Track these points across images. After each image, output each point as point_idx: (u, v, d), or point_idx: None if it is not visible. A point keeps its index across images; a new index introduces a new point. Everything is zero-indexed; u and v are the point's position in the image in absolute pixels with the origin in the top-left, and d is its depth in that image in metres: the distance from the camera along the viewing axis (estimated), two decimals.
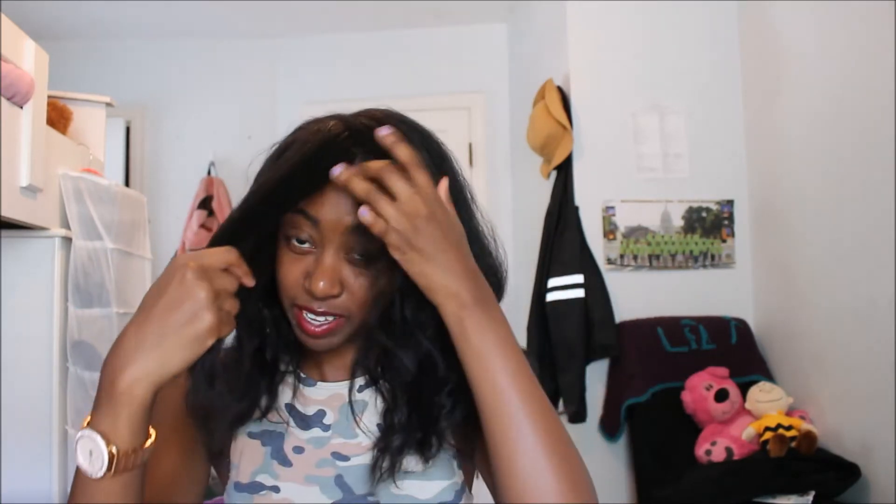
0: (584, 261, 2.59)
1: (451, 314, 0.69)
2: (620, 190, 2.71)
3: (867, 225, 2.04)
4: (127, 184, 3.74)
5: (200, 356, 0.65)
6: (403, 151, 0.68)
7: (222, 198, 3.64)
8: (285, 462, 0.82)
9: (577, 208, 2.66)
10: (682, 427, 2.38)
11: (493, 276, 0.80)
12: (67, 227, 1.90)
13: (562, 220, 2.65)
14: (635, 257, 2.70)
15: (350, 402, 0.83)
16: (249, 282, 0.69)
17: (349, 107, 0.83)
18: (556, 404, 2.53)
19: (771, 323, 2.60)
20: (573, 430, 2.57)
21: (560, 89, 2.75)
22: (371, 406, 0.84)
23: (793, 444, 2.12)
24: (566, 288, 2.54)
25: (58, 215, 1.89)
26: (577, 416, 2.45)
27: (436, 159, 0.79)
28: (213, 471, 0.89)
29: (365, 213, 0.68)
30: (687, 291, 2.69)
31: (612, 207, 2.71)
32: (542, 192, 2.92)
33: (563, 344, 2.51)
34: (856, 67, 2.10)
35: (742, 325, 2.60)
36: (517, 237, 3.45)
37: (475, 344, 0.69)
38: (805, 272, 2.38)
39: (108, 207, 1.96)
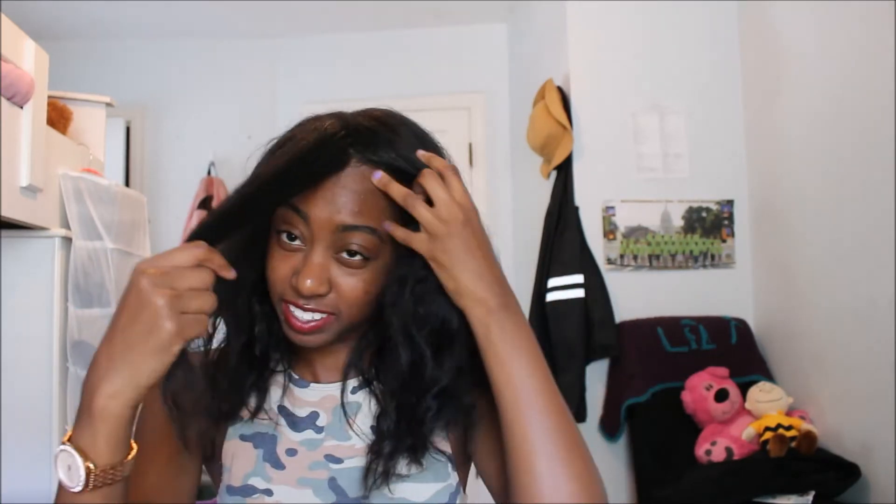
0: (584, 261, 2.59)
1: (478, 319, 0.72)
2: (620, 190, 2.71)
3: (867, 225, 2.04)
4: (127, 184, 3.74)
5: (173, 363, 0.64)
6: (439, 161, 0.73)
7: (222, 198, 3.63)
8: (278, 465, 0.81)
9: (577, 208, 2.66)
10: (682, 427, 2.38)
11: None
12: (67, 227, 1.90)
13: (562, 220, 2.65)
14: (635, 257, 2.70)
15: (342, 404, 0.83)
16: (228, 273, 0.68)
17: (349, 107, 0.82)
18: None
19: (771, 323, 2.60)
20: None
21: (560, 89, 2.75)
22: (364, 408, 0.83)
23: (793, 444, 2.12)
24: (566, 288, 2.54)
25: (58, 215, 1.89)
26: (577, 416, 2.45)
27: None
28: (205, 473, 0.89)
29: (378, 175, 0.72)
30: (687, 291, 2.69)
31: (612, 207, 2.71)
32: (542, 192, 2.92)
33: (563, 344, 2.50)
34: (856, 67, 2.10)
35: (742, 325, 2.60)
36: (517, 237, 3.45)
37: (500, 349, 0.71)
38: (805, 272, 2.38)
39: (108, 207, 1.96)
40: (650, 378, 2.46)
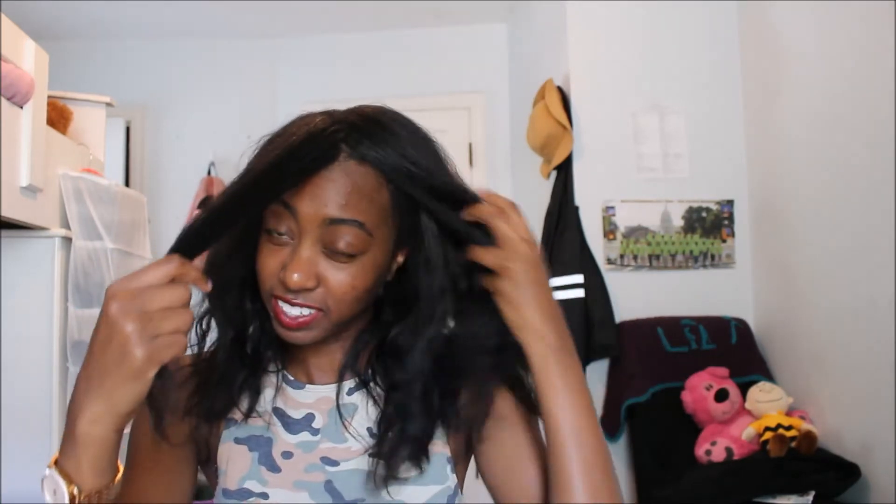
0: (584, 261, 2.59)
1: (538, 354, 0.75)
2: (620, 190, 2.71)
3: (867, 225, 2.04)
4: (127, 184, 3.73)
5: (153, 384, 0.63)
6: (500, 199, 0.77)
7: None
8: (273, 468, 0.81)
9: (577, 208, 2.66)
10: (682, 427, 2.38)
11: None
12: (67, 227, 1.90)
13: (562, 220, 2.65)
14: (635, 257, 2.70)
15: (338, 405, 0.82)
16: (204, 286, 0.68)
17: (349, 107, 0.82)
18: None
19: (771, 323, 2.59)
20: None
21: (560, 89, 2.75)
22: (361, 410, 0.82)
23: (793, 444, 2.12)
24: (566, 288, 2.54)
25: (58, 215, 1.89)
26: None
27: (430, 156, 0.78)
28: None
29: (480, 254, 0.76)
30: (687, 291, 2.69)
31: (612, 207, 2.71)
32: (542, 192, 2.92)
33: None
34: (856, 67, 2.10)
35: (742, 325, 2.60)
36: None
37: (555, 383, 0.75)
38: (805, 272, 2.38)
39: (108, 207, 1.96)
40: (650, 378, 2.46)
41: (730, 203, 2.74)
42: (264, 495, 0.79)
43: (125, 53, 3.86)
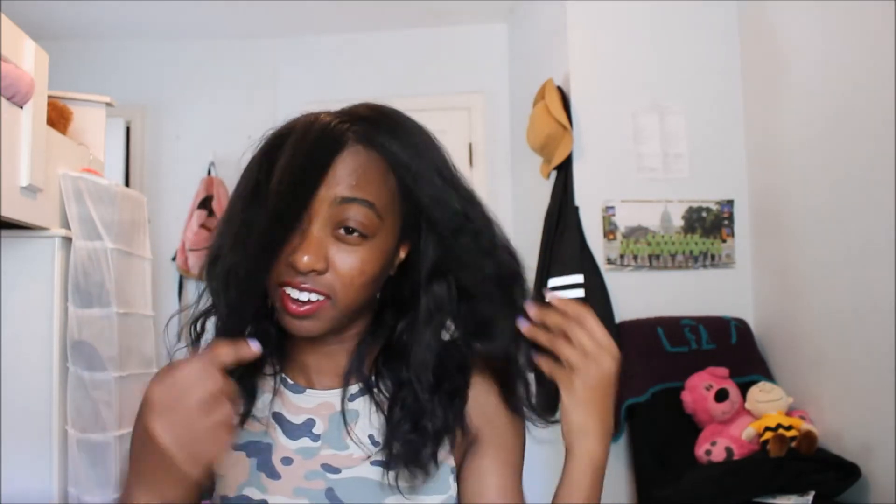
0: (584, 261, 2.59)
1: (579, 456, 0.78)
2: (620, 190, 2.71)
3: (867, 225, 2.04)
4: (127, 184, 3.73)
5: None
6: (573, 306, 0.77)
7: (222, 198, 3.64)
8: (273, 474, 0.79)
9: (577, 208, 2.66)
10: (682, 427, 2.38)
11: (509, 254, 0.83)
12: (67, 227, 1.90)
13: (562, 220, 2.65)
14: (635, 257, 2.70)
15: (342, 411, 0.81)
16: (250, 352, 0.69)
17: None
18: (556, 404, 2.53)
19: (771, 323, 2.59)
20: None
21: (560, 89, 2.75)
22: (363, 417, 0.81)
23: (793, 444, 2.12)
24: (566, 288, 2.54)
25: (58, 215, 1.89)
26: None
27: (427, 151, 0.79)
28: None
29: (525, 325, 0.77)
30: (687, 291, 2.69)
31: (612, 207, 2.71)
32: (542, 192, 2.92)
33: None
34: (856, 67, 2.10)
35: (742, 325, 2.60)
36: (517, 237, 3.42)
37: (581, 485, 0.78)
38: (805, 272, 2.38)
39: (108, 207, 1.96)
40: (650, 378, 2.46)
41: (730, 203, 2.74)
42: (263, 503, 0.78)
43: (125, 53, 3.86)
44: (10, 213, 1.64)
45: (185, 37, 3.87)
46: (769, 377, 2.48)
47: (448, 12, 3.65)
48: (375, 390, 0.81)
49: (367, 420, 0.81)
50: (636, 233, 2.71)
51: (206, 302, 0.81)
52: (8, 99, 1.63)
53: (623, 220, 2.70)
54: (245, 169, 0.80)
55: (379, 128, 0.76)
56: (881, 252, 1.96)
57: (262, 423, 0.82)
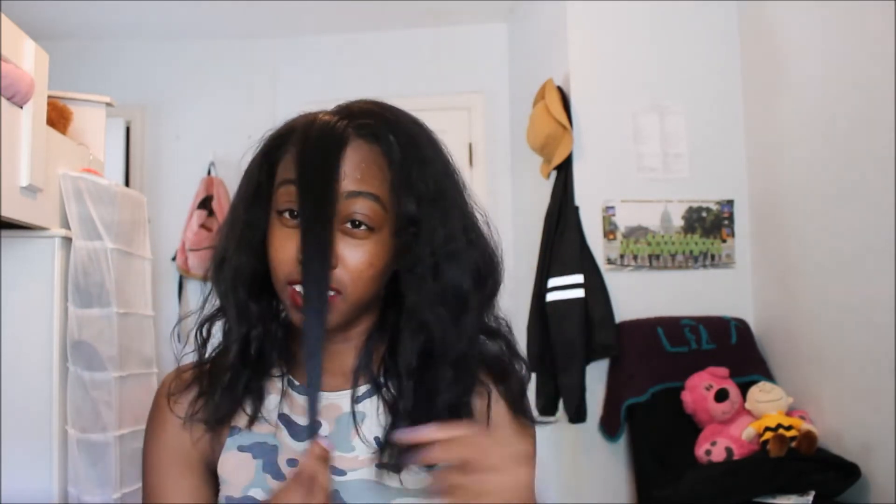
0: (584, 261, 2.59)
1: None
2: (620, 190, 2.71)
3: (867, 225, 2.04)
4: (127, 184, 3.73)
5: None
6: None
7: (222, 198, 3.64)
8: (279, 476, 0.79)
9: (577, 208, 2.66)
10: (682, 427, 2.38)
11: (490, 260, 0.82)
12: (67, 227, 1.90)
13: (562, 220, 2.65)
14: (635, 257, 2.70)
15: (353, 408, 0.81)
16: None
17: None
18: (555, 405, 2.53)
19: (771, 323, 2.59)
20: (573, 429, 2.57)
21: (560, 89, 2.75)
22: (369, 418, 0.81)
23: (793, 444, 2.12)
24: (566, 288, 2.54)
25: (58, 215, 1.89)
26: (577, 416, 2.45)
27: (426, 146, 0.80)
28: None
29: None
30: (687, 291, 2.69)
31: (612, 207, 2.71)
32: (542, 192, 2.92)
33: (563, 344, 2.50)
34: (856, 67, 2.10)
35: (742, 325, 2.60)
36: (517, 237, 3.45)
37: None
38: (805, 272, 2.38)
39: (108, 207, 1.95)
40: (650, 378, 2.46)
41: (730, 203, 2.74)
42: None
43: (125, 53, 3.86)
44: (10, 213, 1.64)
45: (185, 37, 3.87)
46: (769, 377, 2.48)
47: (448, 12, 3.65)
48: (384, 389, 0.81)
49: (374, 421, 0.81)
50: (636, 233, 2.71)
51: (211, 306, 0.82)
52: (8, 99, 1.63)
53: (623, 220, 2.70)
54: (245, 171, 0.81)
55: (378, 122, 0.77)
56: (881, 252, 1.96)
57: (270, 424, 0.81)
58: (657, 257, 2.71)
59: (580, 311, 2.51)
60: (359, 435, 0.80)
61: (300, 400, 0.82)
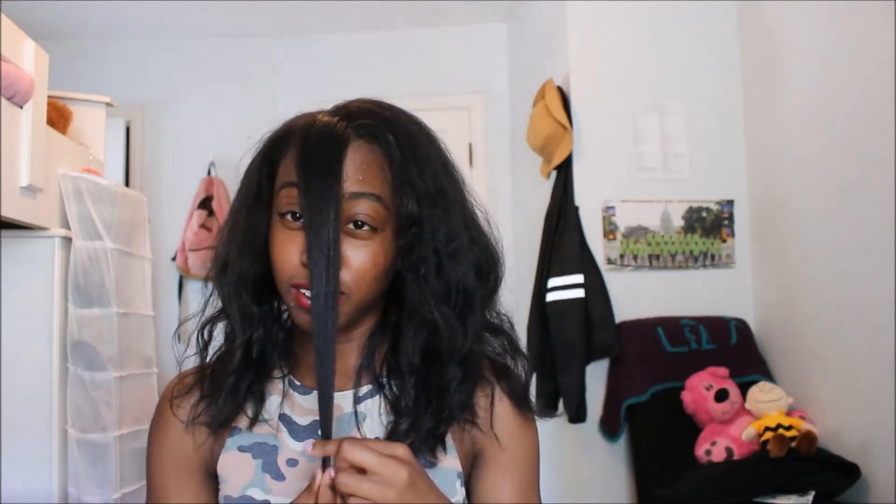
0: (584, 261, 2.59)
1: None
2: (620, 190, 2.71)
3: (867, 224, 2.05)
4: (127, 184, 3.73)
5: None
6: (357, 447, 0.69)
7: (222, 198, 3.64)
8: (278, 476, 0.80)
9: (577, 208, 2.66)
10: (682, 427, 2.38)
11: (491, 257, 0.82)
12: (67, 227, 1.90)
13: (562, 220, 2.65)
14: (635, 257, 2.70)
15: (355, 408, 0.81)
16: None
17: None
18: (556, 404, 2.54)
19: (771, 323, 2.59)
20: (573, 429, 2.57)
21: (560, 89, 2.75)
22: (371, 417, 0.81)
23: (793, 444, 2.12)
24: (566, 288, 2.54)
25: (58, 215, 1.89)
26: (577, 416, 2.45)
27: (425, 144, 0.80)
28: None
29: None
30: (687, 291, 2.69)
31: (612, 207, 2.71)
32: (542, 192, 2.92)
33: (563, 344, 2.50)
34: (856, 67, 2.10)
35: (742, 325, 2.60)
36: (517, 237, 3.45)
37: None
38: (805, 272, 2.38)
39: (108, 207, 1.95)
40: (650, 378, 2.46)
41: (730, 203, 2.74)
42: None
43: (125, 53, 3.86)
44: (10, 213, 1.64)
45: (184, 37, 3.87)
46: (769, 377, 2.48)
47: (448, 12, 3.65)
48: (386, 389, 0.82)
49: (374, 421, 0.81)
50: (636, 233, 2.71)
51: (212, 309, 0.82)
52: (8, 99, 1.63)
53: (623, 220, 2.70)
54: (245, 174, 0.81)
55: (378, 122, 0.77)
56: (881, 252, 1.97)
57: (270, 425, 0.82)
58: (657, 257, 2.71)
59: (580, 311, 2.51)
60: (360, 435, 0.80)
61: (301, 400, 0.83)
